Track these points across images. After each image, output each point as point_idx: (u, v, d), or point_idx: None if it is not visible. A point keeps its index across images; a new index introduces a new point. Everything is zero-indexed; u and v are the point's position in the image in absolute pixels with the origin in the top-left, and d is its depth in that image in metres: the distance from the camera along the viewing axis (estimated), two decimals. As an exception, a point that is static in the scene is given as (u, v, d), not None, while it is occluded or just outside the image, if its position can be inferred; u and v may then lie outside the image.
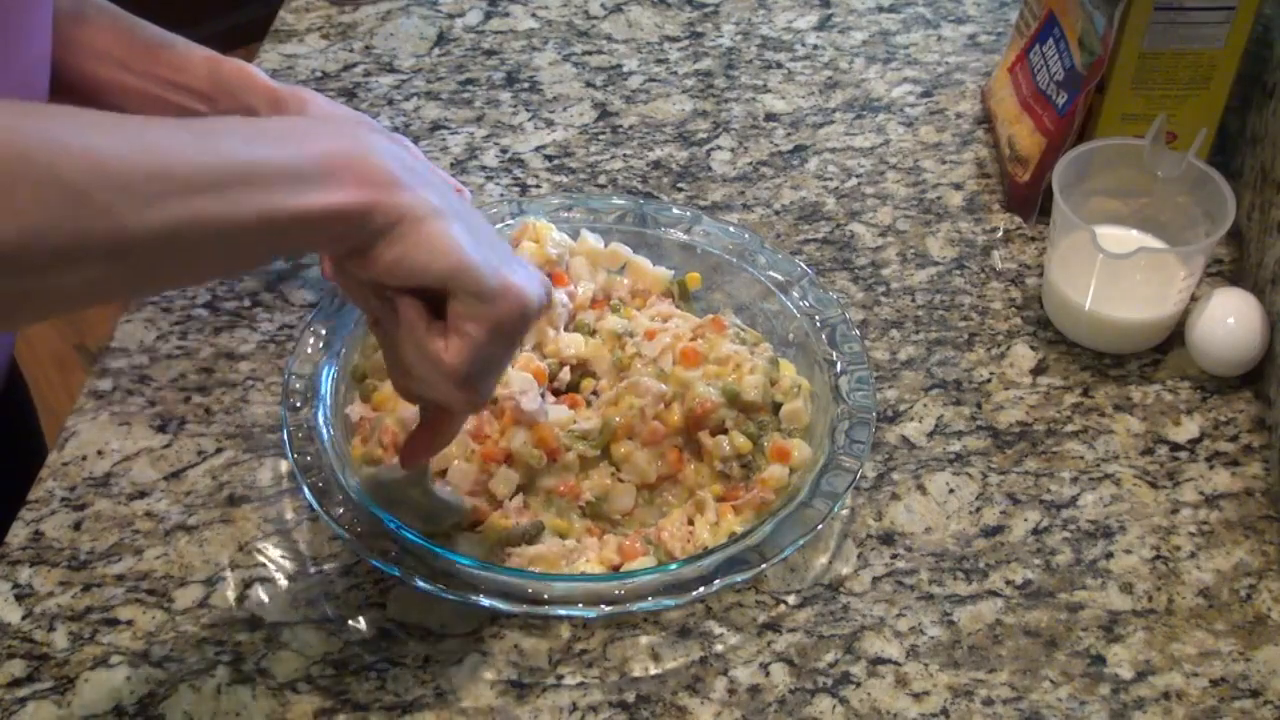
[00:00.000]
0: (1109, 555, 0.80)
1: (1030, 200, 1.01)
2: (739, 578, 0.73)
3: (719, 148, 1.09)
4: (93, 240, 0.50)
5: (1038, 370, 0.91)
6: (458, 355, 0.62)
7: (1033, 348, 0.93)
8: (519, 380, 0.79)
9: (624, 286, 0.90)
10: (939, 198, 1.04)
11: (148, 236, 0.51)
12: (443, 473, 0.79)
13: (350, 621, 0.77)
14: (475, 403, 0.65)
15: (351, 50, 1.19)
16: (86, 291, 0.52)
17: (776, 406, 0.82)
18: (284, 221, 0.55)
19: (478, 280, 0.61)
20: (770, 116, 1.12)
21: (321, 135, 0.58)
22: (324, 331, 0.84)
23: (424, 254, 0.59)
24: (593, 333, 0.86)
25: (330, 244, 0.59)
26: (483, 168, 1.07)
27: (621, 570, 0.76)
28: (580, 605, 0.72)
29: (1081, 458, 0.86)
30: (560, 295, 0.86)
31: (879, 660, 0.75)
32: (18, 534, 0.81)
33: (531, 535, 0.77)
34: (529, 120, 1.11)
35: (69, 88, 0.86)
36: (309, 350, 0.83)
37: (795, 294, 0.87)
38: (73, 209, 0.49)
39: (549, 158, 1.08)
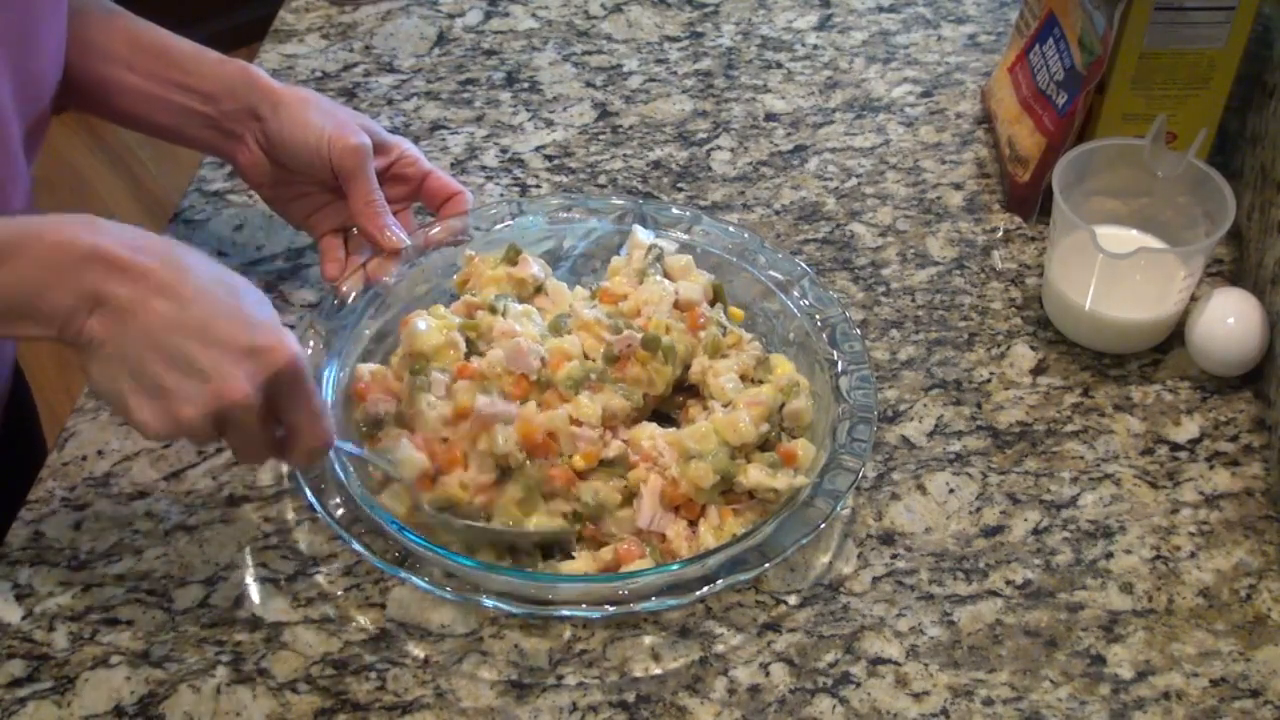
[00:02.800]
0: (1109, 555, 0.80)
1: (1030, 200, 1.01)
2: (741, 577, 0.73)
3: (719, 148, 1.09)
4: None
5: (1038, 370, 0.91)
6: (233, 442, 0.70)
7: (1033, 348, 0.93)
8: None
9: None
10: (939, 198, 1.04)
11: None
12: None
13: (350, 621, 0.77)
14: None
15: (351, 50, 1.19)
16: None
17: (764, 440, 0.80)
18: None
19: (133, 419, 0.66)
20: (770, 116, 1.12)
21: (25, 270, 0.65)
22: (324, 331, 0.84)
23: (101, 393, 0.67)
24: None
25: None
26: (483, 168, 1.07)
27: (620, 571, 0.76)
28: (583, 606, 0.72)
29: (1081, 458, 0.86)
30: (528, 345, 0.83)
31: (879, 660, 0.75)
32: (18, 534, 0.81)
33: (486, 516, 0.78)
34: (529, 120, 1.11)
35: (75, 87, 0.86)
36: (309, 350, 0.83)
37: (795, 294, 0.87)
38: None
39: (549, 158, 1.08)
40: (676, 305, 0.85)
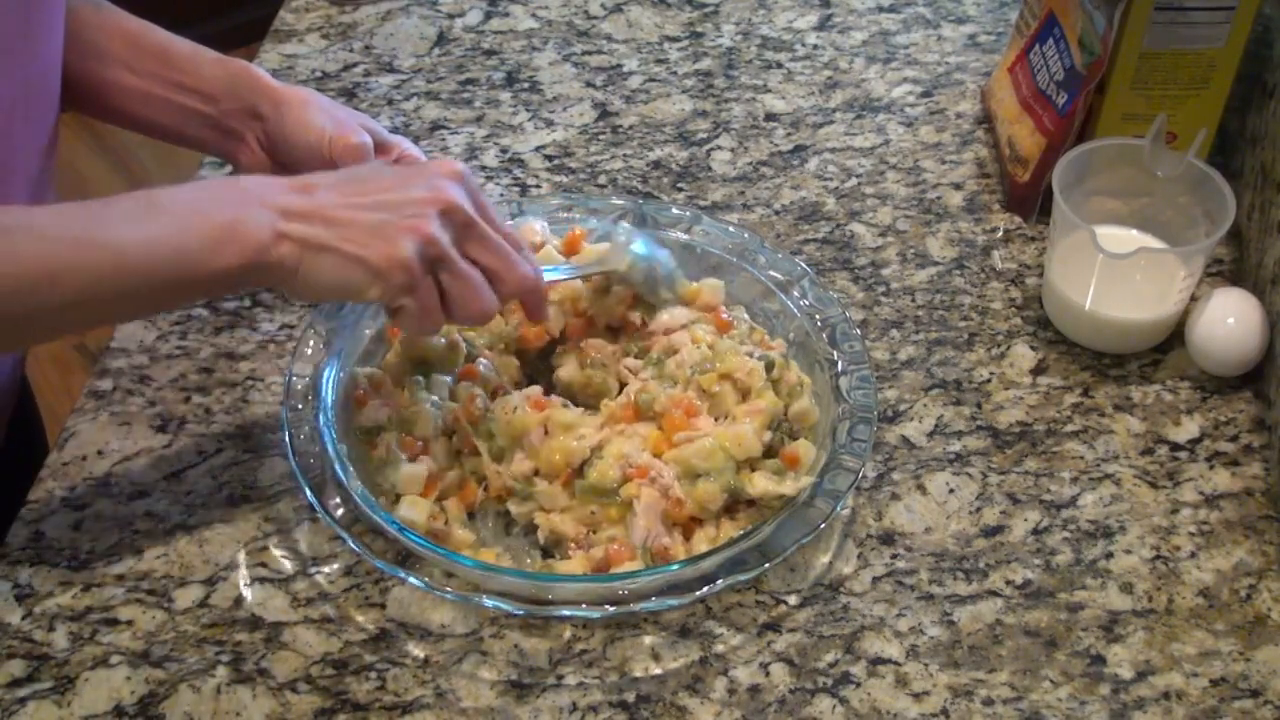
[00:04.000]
0: (1109, 555, 0.80)
1: (1030, 200, 1.01)
2: (741, 577, 0.73)
3: (719, 148, 1.09)
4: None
5: (1038, 370, 0.91)
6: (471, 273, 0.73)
7: (1033, 348, 0.93)
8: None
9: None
10: (939, 198, 1.04)
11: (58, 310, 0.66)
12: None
13: (350, 621, 0.77)
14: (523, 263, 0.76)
15: (351, 50, 1.19)
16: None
17: (769, 449, 0.79)
18: (186, 287, 0.69)
19: (389, 277, 0.70)
20: (770, 116, 1.12)
21: (210, 207, 0.69)
22: (324, 331, 0.84)
23: (322, 287, 0.71)
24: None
25: (238, 289, 0.73)
26: (483, 168, 1.07)
27: (612, 571, 0.75)
28: (583, 606, 0.72)
29: (1081, 458, 0.86)
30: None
31: (879, 660, 0.75)
32: (18, 534, 0.81)
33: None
34: (529, 120, 1.11)
35: (74, 89, 0.86)
36: (309, 350, 0.83)
37: (795, 293, 0.87)
38: None
39: (549, 158, 1.08)
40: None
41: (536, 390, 0.82)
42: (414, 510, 0.77)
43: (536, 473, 0.79)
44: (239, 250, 0.68)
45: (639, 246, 0.85)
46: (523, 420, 0.79)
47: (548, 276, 0.80)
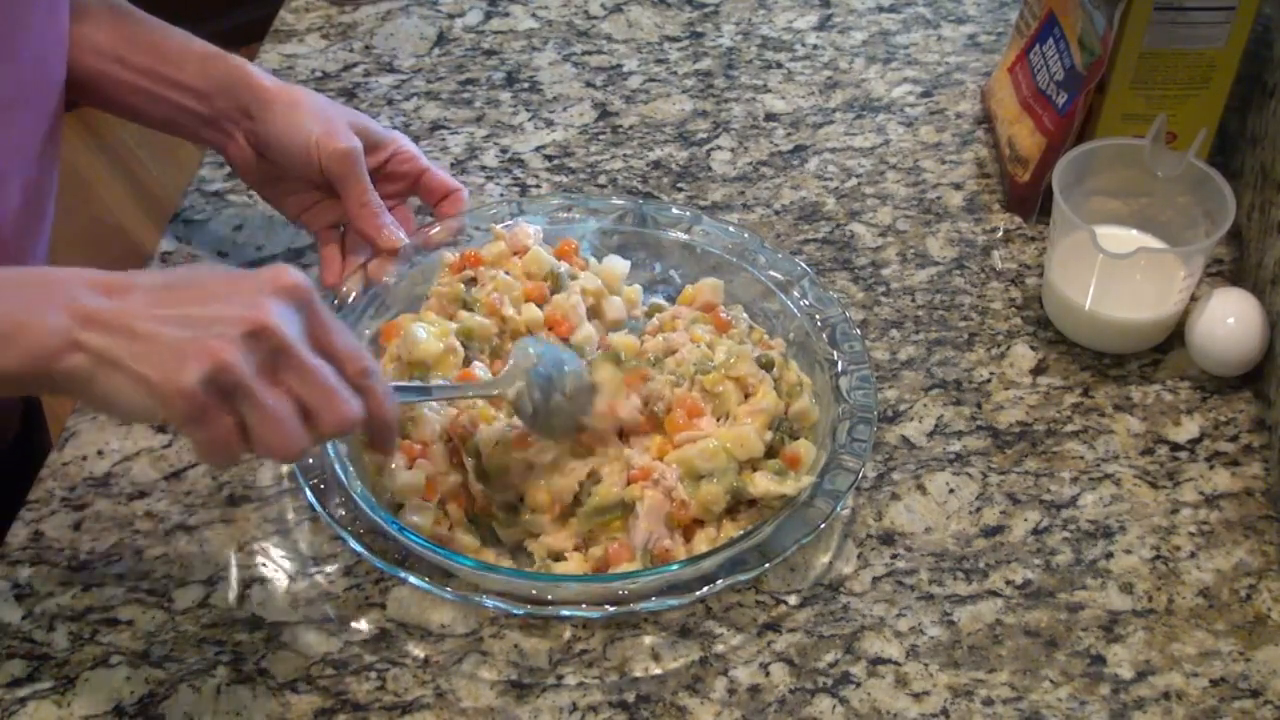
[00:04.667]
0: (1109, 555, 0.80)
1: (1030, 200, 1.01)
2: (741, 577, 0.73)
3: (719, 148, 1.09)
4: None
5: (1038, 370, 0.91)
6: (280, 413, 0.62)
7: (1033, 348, 0.93)
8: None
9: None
10: (939, 198, 1.04)
11: None
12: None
13: (350, 621, 0.77)
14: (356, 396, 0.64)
15: (351, 50, 1.19)
16: None
17: (771, 449, 0.79)
18: None
19: (169, 406, 0.60)
20: (770, 116, 1.12)
21: (2, 301, 0.61)
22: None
23: (117, 408, 0.61)
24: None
25: (26, 392, 0.64)
26: (483, 168, 1.07)
27: (610, 571, 0.75)
28: (583, 606, 0.72)
29: (1081, 458, 0.86)
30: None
31: (879, 660, 0.75)
32: (18, 534, 0.81)
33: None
34: (529, 120, 1.11)
35: (67, 81, 0.86)
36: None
37: (795, 294, 0.87)
38: None
39: (549, 158, 1.08)
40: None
41: (521, 429, 0.79)
42: (419, 514, 0.77)
43: (522, 499, 0.79)
44: (20, 354, 0.59)
45: (542, 367, 0.76)
46: (502, 459, 0.78)
47: (408, 398, 0.74)
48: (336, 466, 0.76)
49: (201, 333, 0.60)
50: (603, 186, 1.05)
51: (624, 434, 0.79)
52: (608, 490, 0.77)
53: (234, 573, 0.79)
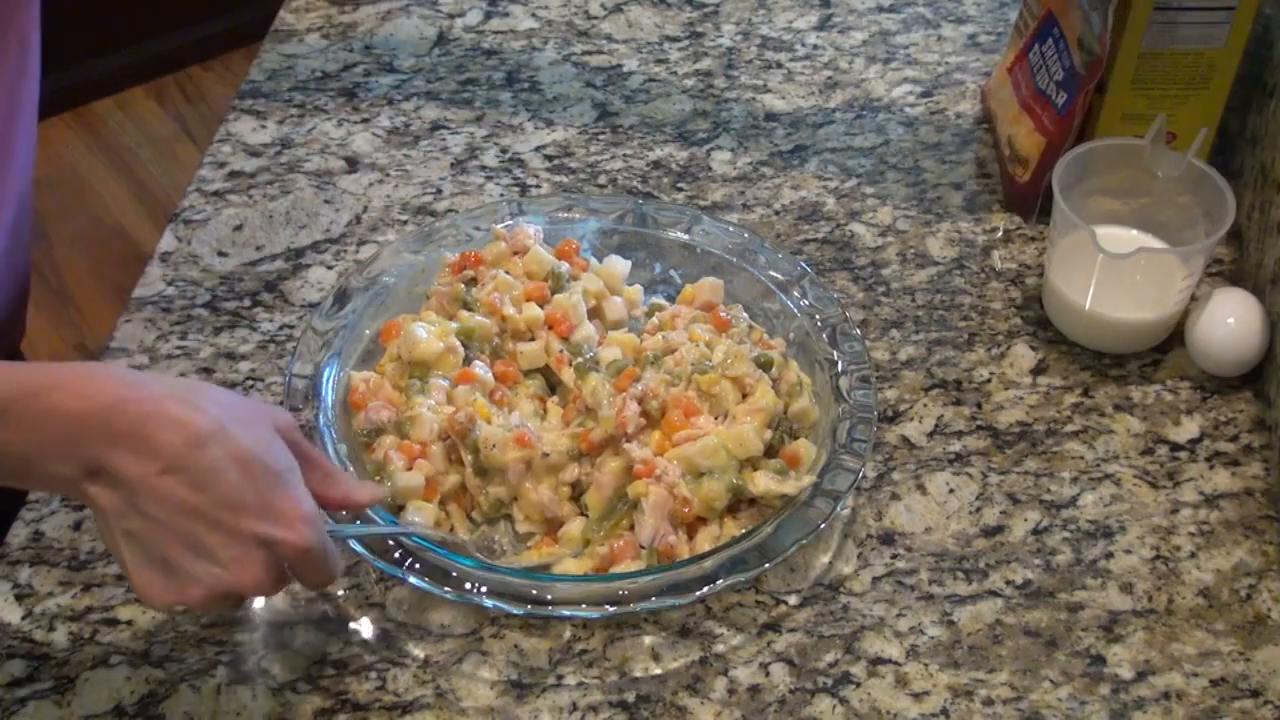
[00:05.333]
0: (1109, 555, 0.80)
1: (1030, 200, 1.01)
2: (741, 577, 0.73)
3: (719, 148, 1.09)
4: None
5: (1038, 370, 0.91)
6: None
7: (1033, 348, 0.93)
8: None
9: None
10: (939, 198, 1.04)
11: None
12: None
13: (350, 621, 0.77)
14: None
15: (351, 50, 1.19)
16: None
17: (770, 448, 0.79)
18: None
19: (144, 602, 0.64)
20: (770, 116, 1.12)
21: (25, 431, 0.61)
22: (324, 331, 0.84)
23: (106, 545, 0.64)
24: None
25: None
26: (483, 168, 1.07)
27: (614, 570, 0.75)
28: (583, 606, 0.72)
29: (1081, 458, 0.86)
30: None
31: (879, 660, 0.75)
32: (18, 534, 0.81)
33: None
34: (529, 120, 1.11)
35: None
36: (309, 350, 0.83)
37: (795, 293, 0.87)
38: None
39: (549, 158, 1.08)
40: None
41: (522, 427, 0.79)
42: (421, 514, 0.77)
43: (515, 500, 0.79)
44: (34, 485, 0.65)
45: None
46: (499, 458, 0.78)
47: (343, 530, 0.73)
48: (336, 466, 0.76)
49: (190, 566, 0.62)
50: (603, 186, 1.05)
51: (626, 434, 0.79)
52: (607, 490, 0.77)
53: (234, 573, 0.79)
